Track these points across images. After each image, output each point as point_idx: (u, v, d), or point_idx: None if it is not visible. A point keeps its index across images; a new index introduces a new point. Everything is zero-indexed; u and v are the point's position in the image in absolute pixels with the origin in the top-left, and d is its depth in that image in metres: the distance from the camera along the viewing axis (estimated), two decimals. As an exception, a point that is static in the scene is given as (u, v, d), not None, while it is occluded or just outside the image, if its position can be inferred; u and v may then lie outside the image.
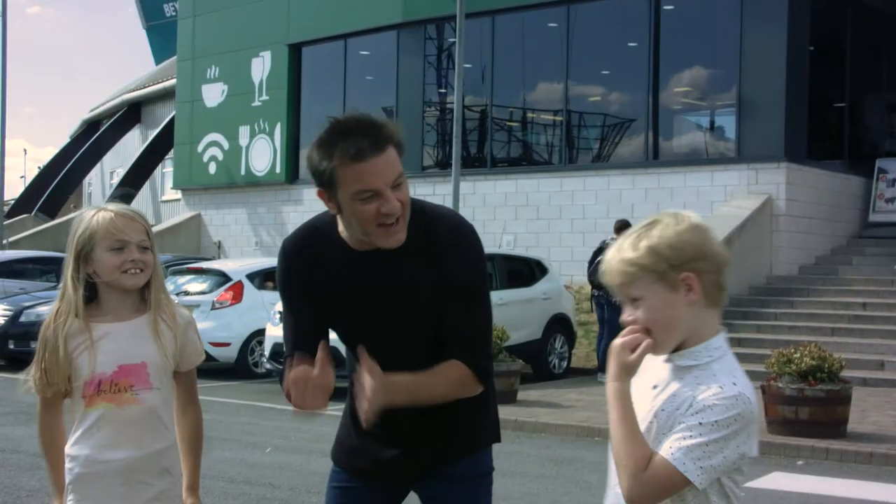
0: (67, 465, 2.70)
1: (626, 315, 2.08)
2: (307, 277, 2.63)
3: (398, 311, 2.59)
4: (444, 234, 2.57)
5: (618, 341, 2.05)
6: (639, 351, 2.03)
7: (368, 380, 2.35)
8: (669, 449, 1.96)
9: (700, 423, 1.96)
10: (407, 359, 2.52)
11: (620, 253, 2.07)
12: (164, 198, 30.77)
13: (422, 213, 2.60)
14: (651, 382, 2.10)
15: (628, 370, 2.03)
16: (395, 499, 2.81)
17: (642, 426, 2.05)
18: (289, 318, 2.69)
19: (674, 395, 2.05)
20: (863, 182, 18.18)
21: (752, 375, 9.54)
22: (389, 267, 2.56)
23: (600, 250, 12.50)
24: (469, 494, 2.72)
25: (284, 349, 2.70)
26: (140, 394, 2.67)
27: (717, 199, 16.71)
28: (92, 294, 2.70)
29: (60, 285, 2.73)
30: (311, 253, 2.63)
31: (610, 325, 12.15)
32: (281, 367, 10.19)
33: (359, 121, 2.46)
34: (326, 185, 2.49)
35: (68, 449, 2.70)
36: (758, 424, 2.05)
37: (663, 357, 2.10)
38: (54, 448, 2.74)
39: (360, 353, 2.39)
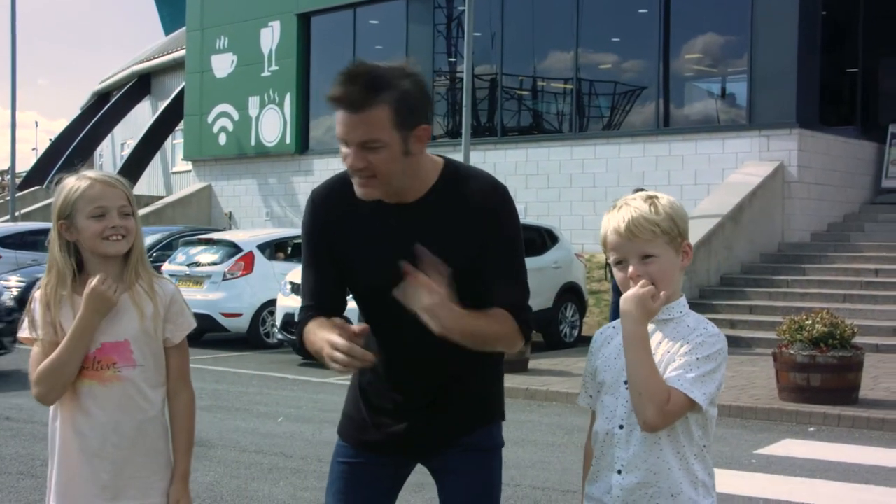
0: (51, 436, 2.71)
1: (635, 270, 2.33)
2: (334, 228, 2.60)
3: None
4: (476, 192, 2.54)
5: (639, 291, 2.29)
6: (660, 300, 2.31)
7: (432, 290, 2.28)
8: (680, 382, 2.27)
9: (697, 359, 2.30)
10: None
11: (642, 213, 2.33)
12: (175, 169, 30.80)
13: (455, 172, 2.59)
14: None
15: (651, 316, 2.31)
16: (403, 472, 2.78)
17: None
18: (310, 268, 2.66)
19: (662, 341, 2.37)
20: (876, 148, 18.07)
21: (764, 342, 9.57)
22: (416, 218, 2.53)
23: None
24: (483, 466, 2.67)
25: (302, 298, 2.68)
26: (122, 370, 2.65)
27: (729, 167, 16.63)
28: (78, 263, 2.69)
29: (48, 254, 2.71)
30: (339, 202, 2.59)
31: None
32: (292, 336, 10.21)
33: (356, 70, 2.39)
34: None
35: (52, 422, 2.71)
36: None
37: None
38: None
39: (420, 252, 2.32)
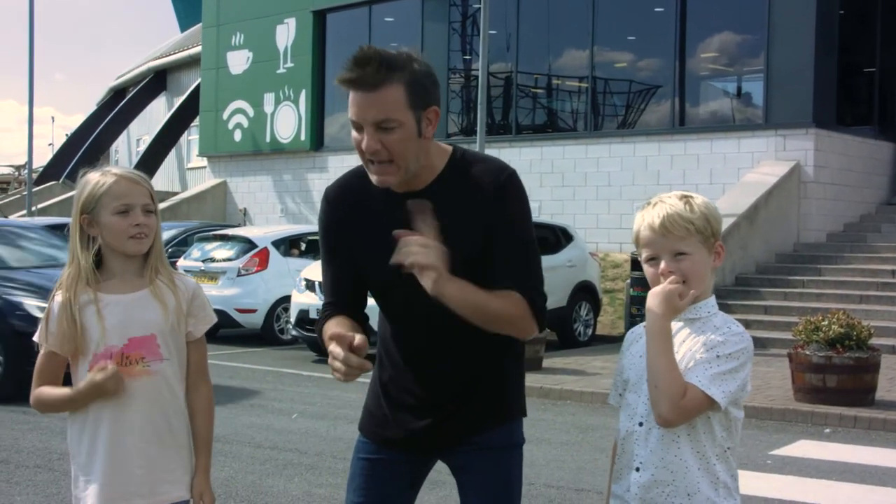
0: (75, 434, 2.70)
1: (666, 266, 2.34)
2: (347, 224, 2.60)
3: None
4: (483, 175, 2.53)
5: (667, 287, 2.31)
6: (687, 298, 2.33)
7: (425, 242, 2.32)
8: (697, 378, 2.27)
9: (717, 356, 2.30)
10: (443, 307, 2.41)
11: (677, 210, 2.36)
12: (190, 165, 30.89)
13: (462, 158, 2.59)
14: None
15: (677, 312, 2.33)
16: (423, 469, 2.77)
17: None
18: (328, 266, 2.67)
19: (687, 339, 2.37)
20: (893, 148, 17.98)
21: (779, 343, 9.48)
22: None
23: None
24: (502, 464, 2.65)
25: (323, 295, 2.70)
26: (151, 365, 2.64)
27: (744, 166, 16.58)
28: (97, 258, 2.67)
29: (69, 248, 2.69)
30: (353, 199, 2.60)
31: None
32: (307, 333, 10.23)
33: (367, 52, 2.38)
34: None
35: (76, 422, 2.68)
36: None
37: None
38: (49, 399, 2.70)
39: (411, 206, 2.36)
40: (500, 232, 2.50)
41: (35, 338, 2.69)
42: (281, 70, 24.23)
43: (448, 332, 2.48)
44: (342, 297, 2.64)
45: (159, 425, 2.66)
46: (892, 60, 18.73)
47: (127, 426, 2.62)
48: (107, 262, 2.67)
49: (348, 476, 2.78)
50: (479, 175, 2.53)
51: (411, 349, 2.63)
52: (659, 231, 2.34)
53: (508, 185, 2.52)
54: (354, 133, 2.45)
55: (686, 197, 2.39)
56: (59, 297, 2.64)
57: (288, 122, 24.02)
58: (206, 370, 2.80)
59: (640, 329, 2.49)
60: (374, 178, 2.48)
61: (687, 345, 2.36)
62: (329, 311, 2.63)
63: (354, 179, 2.62)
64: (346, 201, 2.62)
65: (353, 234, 2.60)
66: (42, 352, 2.67)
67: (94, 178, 2.66)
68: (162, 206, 24.65)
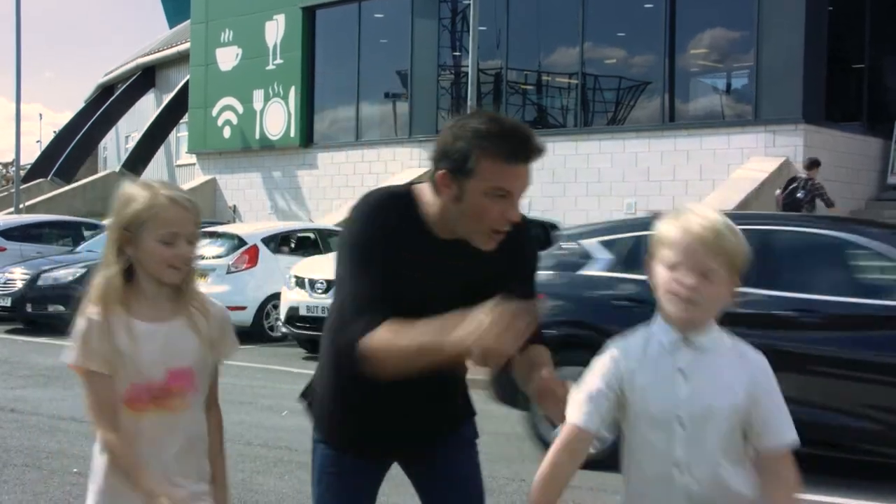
0: (101, 468, 2.53)
1: (696, 283, 2.13)
2: (389, 243, 2.52)
3: (459, 297, 2.51)
4: (518, 228, 2.56)
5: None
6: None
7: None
8: (783, 434, 2.18)
9: (776, 390, 2.20)
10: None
11: (733, 230, 2.17)
12: (179, 162, 30.81)
13: None
14: (675, 365, 2.19)
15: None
16: (384, 473, 2.80)
17: (714, 401, 2.17)
18: (368, 276, 2.49)
19: (723, 369, 2.19)
20: (882, 144, 18.03)
21: (770, 338, 9.05)
22: (466, 260, 2.53)
23: (793, 180, 14.46)
24: (474, 454, 2.79)
25: (360, 307, 2.48)
26: (188, 397, 2.54)
27: (734, 162, 16.61)
28: (128, 273, 2.49)
29: (100, 260, 2.49)
30: (394, 222, 2.53)
31: None
32: (297, 330, 10.10)
33: (521, 127, 2.42)
34: (458, 169, 2.39)
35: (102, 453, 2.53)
36: None
37: (674, 338, 2.20)
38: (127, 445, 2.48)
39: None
40: (521, 280, 2.65)
41: (72, 361, 2.45)
42: (270, 67, 24.18)
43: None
44: (386, 306, 2.47)
45: (193, 455, 2.58)
46: (881, 56, 18.81)
47: (164, 460, 2.51)
48: (139, 282, 2.50)
49: (317, 491, 2.75)
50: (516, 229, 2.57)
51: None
52: (712, 241, 2.13)
53: (534, 238, 2.69)
54: (487, 200, 2.40)
55: (727, 222, 2.19)
56: (93, 313, 2.45)
57: (277, 118, 23.97)
58: (217, 392, 2.72)
59: (654, 345, 2.24)
60: (487, 244, 2.48)
61: (728, 375, 2.18)
62: (376, 320, 2.46)
63: (396, 199, 2.56)
64: (390, 217, 2.53)
65: (392, 251, 2.51)
66: (88, 379, 2.45)
67: (141, 197, 2.45)
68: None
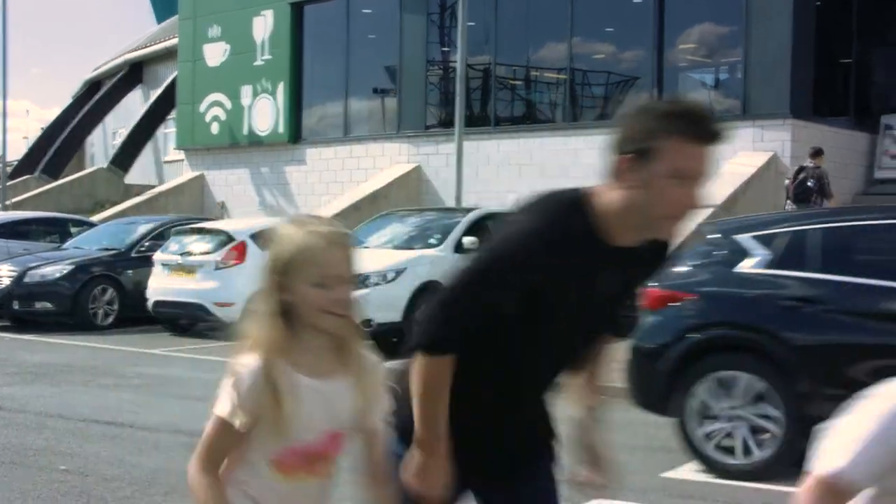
0: None
1: None
2: (565, 251, 2.34)
3: (607, 307, 2.51)
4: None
5: None
6: None
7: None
8: None
9: None
10: (579, 350, 2.61)
11: None
12: (167, 158, 30.71)
13: None
14: None
15: None
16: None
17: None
18: (477, 303, 2.34)
19: None
20: (869, 138, 18.08)
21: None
22: (627, 264, 2.44)
23: (801, 170, 14.52)
24: (554, 485, 2.72)
25: (439, 324, 2.36)
26: (335, 463, 2.33)
27: (723, 157, 16.62)
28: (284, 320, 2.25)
29: (258, 306, 2.25)
30: (576, 227, 2.37)
31: None
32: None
33: (705, 108, 2.36)
34: (641, 152, 2.29)
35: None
36: None
37: None
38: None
39: None
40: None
41: (223, 413, 2.20)
42: (258, 62, 24.11)
43: (574, 361, 2.63)
44: (462, 340, 2.37)
45: None
46: (868, 51, 18.86)
47: None
48: (298, 331, 2.24)
49: None
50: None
51: (541, 379, 2.62)
52: None
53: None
54: (671, 185, 2.29)
55: None
56: (252, 363, 2.21)
57: (266, 114, 23.91)
58: (382, 464, 2.41)
59: None
60: (668, 232, 2.41)
61: None
62: (452, 347, 2.37)
63: (573, 232, 2.37)
64: (566, 256, 2.35)
65: (556, 280, 2.37)
66: (221, 426, 2.21)
67: (295, 238, 2.22)
68: (139, 199, 24.61)
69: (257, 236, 14.23)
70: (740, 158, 16.25)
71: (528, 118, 20.43)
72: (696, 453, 6.33)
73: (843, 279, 6.18)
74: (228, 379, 2.22)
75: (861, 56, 18.70)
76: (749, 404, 6.19)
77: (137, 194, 25.79)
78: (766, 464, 6.10)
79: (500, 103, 20.59)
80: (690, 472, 6.39)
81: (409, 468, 2.41)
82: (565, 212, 2.40)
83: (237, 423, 2.18)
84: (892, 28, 19.02)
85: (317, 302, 2.19)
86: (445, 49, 21.44)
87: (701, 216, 14.43)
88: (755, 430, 6.17)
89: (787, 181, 14.73)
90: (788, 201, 14.39)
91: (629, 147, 2.32)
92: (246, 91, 24.28)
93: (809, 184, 14.22)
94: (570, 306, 2.40)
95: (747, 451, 6.18)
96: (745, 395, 6.21)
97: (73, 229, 18.13)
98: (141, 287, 14.22)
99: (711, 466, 6.26)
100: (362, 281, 11.84)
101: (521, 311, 2.36)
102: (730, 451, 6.22)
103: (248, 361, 2.21)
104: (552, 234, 2.34)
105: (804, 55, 16.56)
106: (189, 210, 23.99)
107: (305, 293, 2.19)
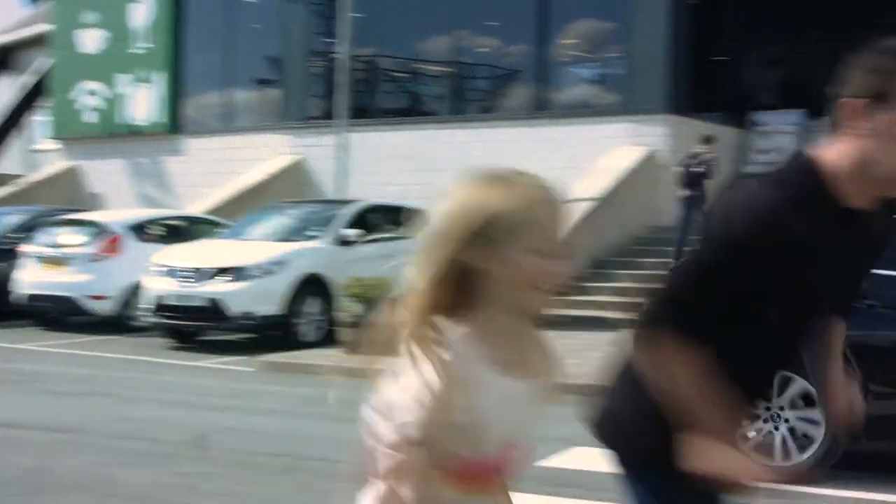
0: None
1: None
2: (802, 224, 2.05)
3: (854, 274, 2.31)
4: None
5: None
6: None
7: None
8: None
9: None
10: (812, 333, 2.36)
11: None
12: (38, 147, 29.66)
13: None
14: None
15: None
16: None
17: None
18: (714, 274, 2.14)
19: None
20: (741, 134, 18.68)
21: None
22: (866, 224, 2.17)
23: (693, 156, 14.84)
24: None
25: (662, 298, 2.24)
26: (508, 477, 1.91)
27: (603, 151, 16.93)
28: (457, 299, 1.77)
29: (429, 282, 1.75)
30: (813, 225, 2.06)
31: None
32: (167, 320, 9.79)
33: None
34: (877, 96, 2.03)
35: None
36: None
37: None
38: None
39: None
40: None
41: (415, 434, 1.70)
42: (136, 50, 23.50)
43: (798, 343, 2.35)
44: (686, 314, 2.16)
45: None
46: (742, 49, 19.46)
47: None
48: (489, 318, 1.79)
49: None
50: None
51: (776, 355, 2.37)
52: None
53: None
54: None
55: None
56: (445, 360, 1.72)
57: (144, 104, 23.33)
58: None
59: None
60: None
61: None
62: (675, 324, 2.15)
63: (807, 194, 2.10)
64: (808, 218, 2.07)
65: (808, 251, 2.09)
66: (409, 447, 1.72)
67: (513, 195, 1.78)
68: (9, 190, 23.70)
69: (134, 228, 13.90)
70: (619, 152, 16.60)
71: (413, 111, 20.44)
72: None
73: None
74: (406, 383, 1.72)
75: (734, 54, 19.29)
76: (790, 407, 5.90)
77: (3, 184, 24.84)
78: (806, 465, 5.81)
79: (385, 95, 20.55)
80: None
81: (706, 459, 2.06)
82: (796, 175, 2.13)
83: (423, 437, 1.71)
84: (764, 28, 19.68)
85: (539, 271, 1.76)
86: (330, 40, 21.27)
87: (581, 208, 14.76)
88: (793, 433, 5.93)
89: (677, 167, 15.03)
90: (681, 187, 14.71)
91: (862, 90, 2.05)
92: (124, 79, 23.64)
93: (698, 169, 14.61)
94: (820, 283, 2.14)
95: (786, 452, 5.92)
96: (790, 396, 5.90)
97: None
98: (5, 280, 13.72)
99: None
100: (241, 274, 11.68)
101: (766, 294, 2.12)
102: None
103: (437, 357, 1.72)
104: (787, 202, 2.05)
105: (681, 52, 17.01)
106: (62, 201, 23.15)
107: (522, 261, 1.74)
